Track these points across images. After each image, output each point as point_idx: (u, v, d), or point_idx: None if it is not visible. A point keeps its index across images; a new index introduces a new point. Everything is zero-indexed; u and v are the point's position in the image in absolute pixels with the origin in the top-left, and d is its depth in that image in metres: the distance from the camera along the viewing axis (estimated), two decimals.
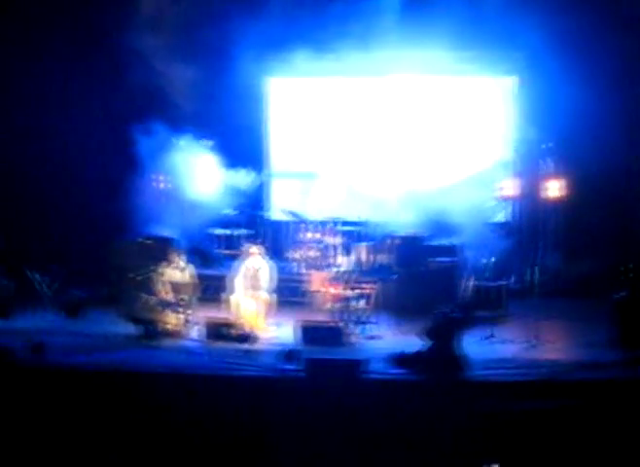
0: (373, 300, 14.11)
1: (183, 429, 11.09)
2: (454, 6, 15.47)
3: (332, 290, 14.12)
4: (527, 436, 10.61)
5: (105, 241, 15.66)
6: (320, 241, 16.21)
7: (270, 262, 14.64)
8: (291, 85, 17.92)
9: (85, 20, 16.46)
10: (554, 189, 15.86)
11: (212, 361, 12.42)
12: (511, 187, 15.94)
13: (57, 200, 16.73)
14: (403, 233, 15.55)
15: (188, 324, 13.81)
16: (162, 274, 14.18)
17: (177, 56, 16.00)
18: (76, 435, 11.13)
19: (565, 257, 16.27)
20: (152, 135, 15.96)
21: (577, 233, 16.34)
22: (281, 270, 15.57)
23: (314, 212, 16.74)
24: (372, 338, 13.59)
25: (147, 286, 14.28)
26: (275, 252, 16.69)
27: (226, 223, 17.10)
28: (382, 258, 16.15)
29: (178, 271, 14.27)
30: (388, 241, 15.90)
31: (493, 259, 14.81)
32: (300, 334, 13.22)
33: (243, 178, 16.87)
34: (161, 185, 16.67)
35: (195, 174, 16.49)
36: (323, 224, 16.41)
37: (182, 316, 13.73)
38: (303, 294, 15.56)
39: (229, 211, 16.88)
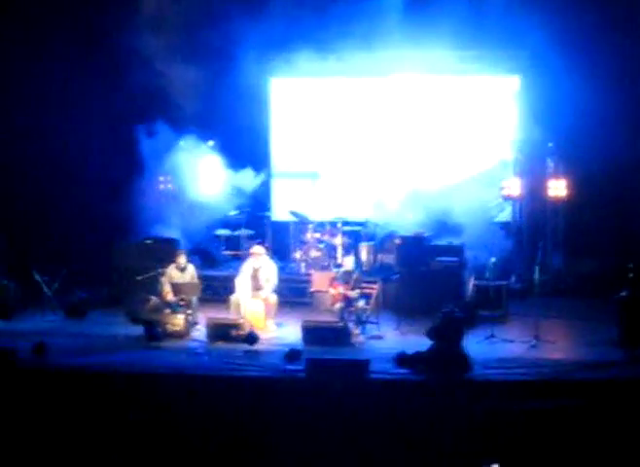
0: (374, 300, 14.10)
1: (184, 429, 11.07)
2: (457, 5, 15.44)
3: (333, 290, 14.09)
4: (527, 436, 10.57)
5: (106, 242, 15.74)
6: (322, 241, 16.22)
7: (272, 262, 14.65)
8: (293, 85, 17.87)
9: (85, 20, 16.46)
10: (556, 188, 15.86)
11: (213, 361, 12.43)
12: (513, 186, 15.90)
13: (58, 201, 16.73)
14: (405, 232, 15.53)
15: (189, 324, 13.81)
16: (165, 275, 14.21)
17: (179, 57, 16.01)
18: (78, 435, 11.11)
19: (566, 257, 16.24)
20: (153, 136, 16.02)
21: (578, 233, 16.30)
22: (283, 271, 15.61)
23: (317, 212, 16.74)
24: (373, 337, 13.58)
25: (149, 287, 14.32)
26: (277, 252, 16.72)
27: (228, 223, 17.12)
28: (384, 258, 16.18)
29: (179, 272, 14.29)
30: (390, 241, 15.91)
31: (494, 259, 14.77)
32: (301, 334, 13.23)
33: (246, 178, 16.89)
34: (163, 186, 16.73)
35: (198, 175, 16.54)
36: (325, 224, 16.42)
37: (183, 317, 13.72)
38: (306, 294, 15.58)
39: (231, 212, 16.91)
